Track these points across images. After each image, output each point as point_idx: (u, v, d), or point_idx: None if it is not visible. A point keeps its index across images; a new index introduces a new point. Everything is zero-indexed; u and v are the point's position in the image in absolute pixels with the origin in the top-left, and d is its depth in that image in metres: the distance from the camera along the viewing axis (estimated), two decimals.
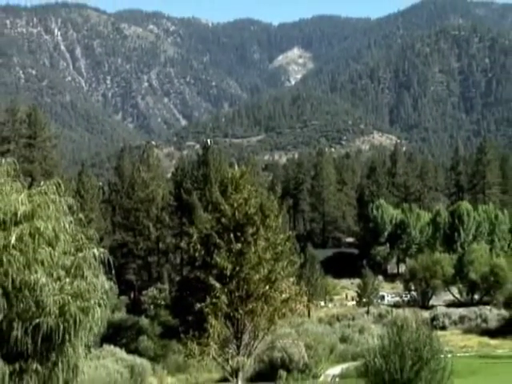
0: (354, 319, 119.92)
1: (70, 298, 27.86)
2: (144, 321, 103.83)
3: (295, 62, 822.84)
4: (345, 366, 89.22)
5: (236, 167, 45.62)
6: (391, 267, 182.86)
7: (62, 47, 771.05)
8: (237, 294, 41.78)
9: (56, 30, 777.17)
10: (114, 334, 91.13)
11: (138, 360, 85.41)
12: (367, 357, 42.22)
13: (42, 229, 27.59)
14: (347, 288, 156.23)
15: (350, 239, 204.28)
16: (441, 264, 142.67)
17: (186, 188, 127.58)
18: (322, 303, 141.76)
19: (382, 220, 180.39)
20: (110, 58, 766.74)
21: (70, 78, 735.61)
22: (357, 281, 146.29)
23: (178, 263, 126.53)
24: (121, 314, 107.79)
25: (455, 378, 38.02)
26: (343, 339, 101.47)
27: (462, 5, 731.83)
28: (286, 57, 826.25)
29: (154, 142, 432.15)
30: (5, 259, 26.57)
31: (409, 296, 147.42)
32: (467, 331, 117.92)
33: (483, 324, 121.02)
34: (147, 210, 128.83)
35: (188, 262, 62.11)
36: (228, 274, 41.64)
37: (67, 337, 28.15)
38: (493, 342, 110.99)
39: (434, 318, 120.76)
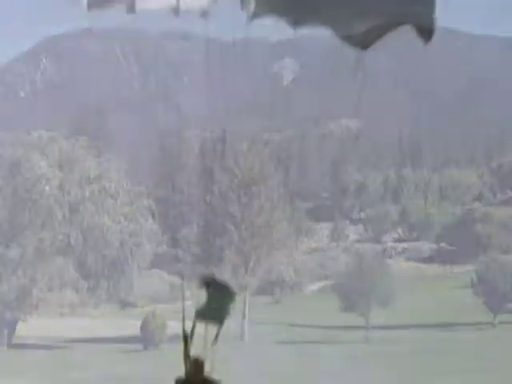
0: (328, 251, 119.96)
1: (127, 236, 27.99)
2: (179, 252, 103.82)
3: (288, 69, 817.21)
4: (321, 283, 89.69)
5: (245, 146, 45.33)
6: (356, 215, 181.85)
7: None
8: (245, 234, 41.82)
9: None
10: (159, 261, 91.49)
11: (176, 279, 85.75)
12: (337, 277, 42.55)
13: (107, 187, 27.66)
14: (324, 229, 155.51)
15: (326, 194, 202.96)
16: (391, 213, 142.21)
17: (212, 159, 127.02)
18: (306, 240, 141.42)
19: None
20: None
21: None
22: (331, 224, 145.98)
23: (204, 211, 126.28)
24: (163, 248, 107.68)
25: (399, 292, 38.35)
26: (321, 265, 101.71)
27: None
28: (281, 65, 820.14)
29: None
30: (81, 208, 26.74)
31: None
32: (408, 259, 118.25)
33: (419, 254, 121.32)
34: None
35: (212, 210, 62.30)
36: (239, 219, 41.65)
37: (125, 263, 28.37)
38: (424, 266, 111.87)
39: (385, 250, 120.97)
